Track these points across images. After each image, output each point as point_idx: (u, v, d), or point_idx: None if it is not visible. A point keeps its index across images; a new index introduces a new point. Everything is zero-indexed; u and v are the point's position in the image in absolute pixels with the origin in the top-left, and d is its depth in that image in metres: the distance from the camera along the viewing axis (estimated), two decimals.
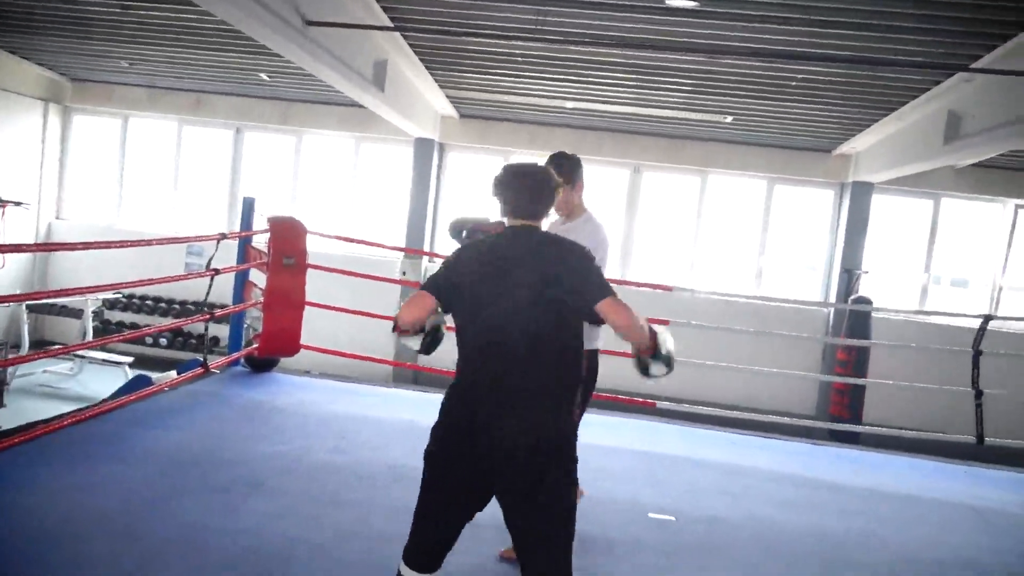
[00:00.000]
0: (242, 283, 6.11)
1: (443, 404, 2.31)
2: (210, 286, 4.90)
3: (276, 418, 4.92)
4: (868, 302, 9.08)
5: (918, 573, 3.62)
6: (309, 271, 5.88)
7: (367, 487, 3.85)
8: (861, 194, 9.79)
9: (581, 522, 3.52)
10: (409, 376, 10.08)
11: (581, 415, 3.50)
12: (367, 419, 5.09)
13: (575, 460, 2.28)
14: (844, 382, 8.91)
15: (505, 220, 2.45)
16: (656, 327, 2.35)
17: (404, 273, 10.42)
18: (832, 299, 10.01)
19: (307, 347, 5.94)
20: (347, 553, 3.10)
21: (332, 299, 6.50)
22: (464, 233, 2.79)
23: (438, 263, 12.43)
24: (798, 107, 8.14)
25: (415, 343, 2.37)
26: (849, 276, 9.77)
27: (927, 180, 9.73)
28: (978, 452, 5.88)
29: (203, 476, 3.76)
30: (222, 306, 6.81)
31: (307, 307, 5.90)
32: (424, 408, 5.48)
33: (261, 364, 6.04)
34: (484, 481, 2.19)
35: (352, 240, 6.56)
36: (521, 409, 2.15)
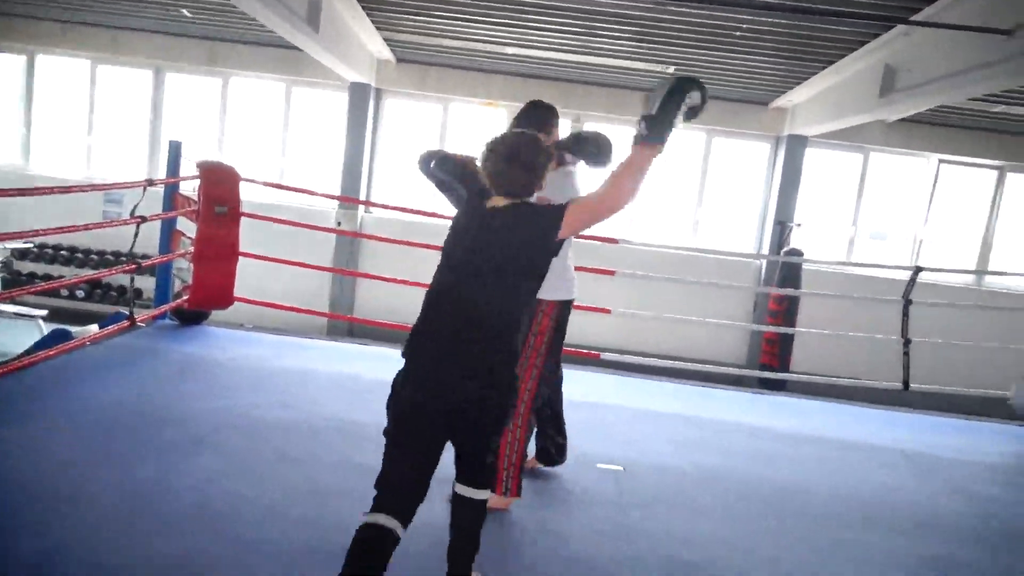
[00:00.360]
0: (169, 232, 5.79)
1: (405, 352, 2.31)
2: (136, 235, 4.59)
3: (216, 373, 4.72)
4: (799, 254, 9.31)
5: (853, 511, 3.75)
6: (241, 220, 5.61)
7: (313, 443, 3.73)
8: (795, 147, 9.96)
9: (532, 476, 3.49)
10: (344, 328, 9.89)
11: (558, 366, 3.44)
12: (309, 373, 4.93)
13: (513, 406, 2.38)
14: (775, 331, 9.19)
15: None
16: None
17: (339, 223, 10.14)
18: (765, 251, 10.23)
19: (241, 299, 5.70)
20: (296, 510, 2.99)
21: (265, 249, 6.21)
22: (432, 163, 2.66)
23: (375, 213, 12.19)
24: (740, 59, 8.15)
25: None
26: (782, 228, 9.98)
27: (858, 134, 9.95)
28: (903, 397, 6.17)
29: (143, 435, 3.56)
30: (146, 257, 6.46)
31: (240, 258, 5.65)
32: (366, 361, 5.41)
33: (189, 317, 5.77)
34: (440, 427, 2.25)
35: (285, 188, 6.27)
36: (472, 368, 2.24)
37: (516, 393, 2.38)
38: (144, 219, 4.64)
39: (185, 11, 8.89)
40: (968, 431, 5.60)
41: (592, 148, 3.11)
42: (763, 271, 10.32)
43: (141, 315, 5.24)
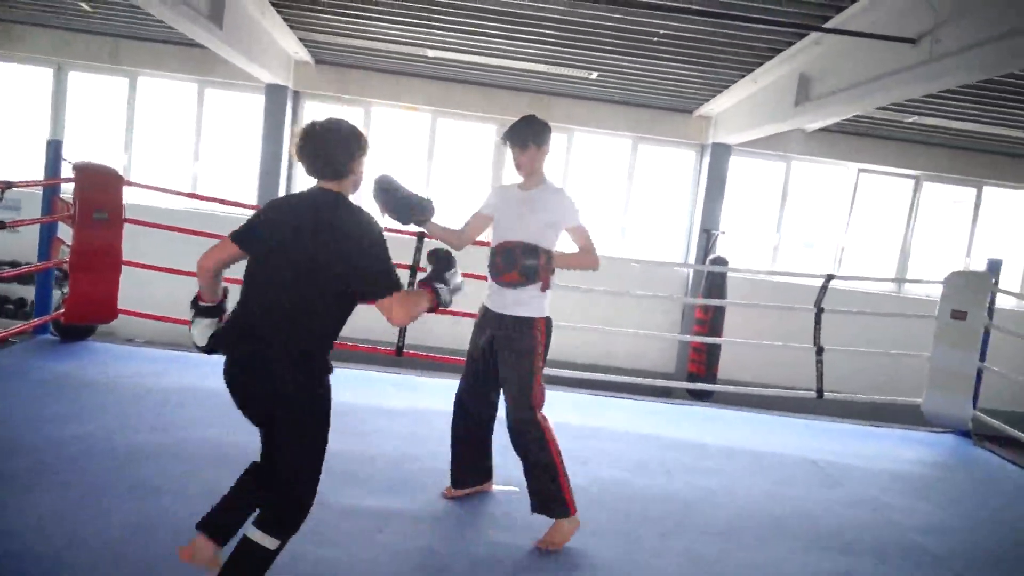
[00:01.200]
0: (48, 239, 5.35)
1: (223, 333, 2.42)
2: None
3: (84, 394, 4.31)
4: (724, 262, 9.30)
5: (759, 525, 3.62)
6: (140, 229, 5.21)
7: (179, 470, 3.40)
8: (720, 155, 9.98)
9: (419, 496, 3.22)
10: None
11: (539, 383, 3.30)
12: (195, 391, 4.56)
13: (323, 411, 2.35)
14: (701, 341, 9.14)
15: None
16: (432, 274, 2.54)
17: None
18: (692, 259, 10.21)
19: (127, 312, 5.30)
20: (133, 550, 2.67)
21: (171, 259, 5.75)
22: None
23: None
24: (661, 65, 8.08)
25: (204, 328, 2.50)
26: (708, 236, 9.98)
27: (780, 143, 10.04)
28: (818, 406, 6.13)
29: None
30: (13, 264, 5.97)
31: (142, 269, 5.24)
32: None
33: (72, 332, 5.34)
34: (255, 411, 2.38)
35: (178, 193, 5.85)
36: (276, 363, 2.27)
37: None
38: (3, 225, 4.23)
39: (84, 5, 8.38)
40: (879, 438, 5.57)
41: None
42: (690, 280, 10.30)
43: (9, 329, 4.80)
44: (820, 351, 5.53)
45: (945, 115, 8.63)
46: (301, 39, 8.82)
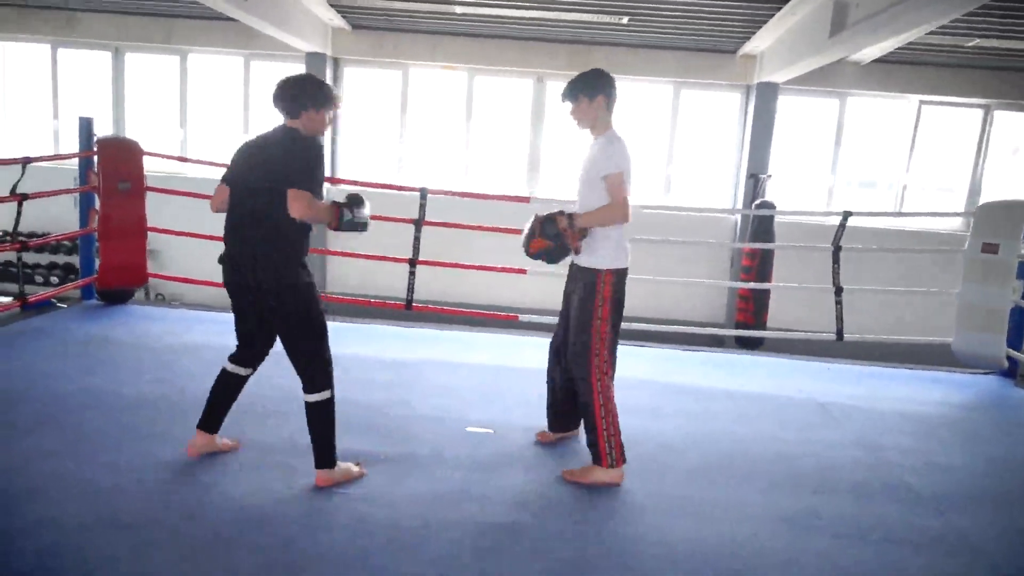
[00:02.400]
0: (86, 208, 5.71)
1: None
2: (18, 213, 4.52)
3: (103, 352, 4.64)
4: (772, 206, 8.95)
5: (731, 467, 3.55)
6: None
7: (167, 420, 3.63)
8: (766, 96, 9.54)
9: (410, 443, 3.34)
10: None
11: (614, 339, 3.31)
12: (207, 347, 4.82)
13: (304, 295, 2.92)
14: (747, 288, 8.88)
15: None
16: (343, 200, 3.00)
17: None
18: (739, 205, 9.88)
19: (154, 275, 5.64)
20: (107, 488, 2.90)
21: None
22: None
23: (346, 189, 12.14)
24: (693, 3, 7.78)
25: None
26: (755, 181, 9.61)
27: (833, 79, 9.52)
28: (859, 350, 5.88)
29: None
30: (33, 235, 6.38)
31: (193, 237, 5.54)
32: None
33: (113, 296, 5.73)
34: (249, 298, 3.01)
35: (197, 161, 6.12)
36: (256, 259, 2.90)
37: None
38: (26, 196, 4.56)
39: None
40: (907, 380, 5.31)
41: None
42: (738, 226, 9.98)
43: (37, 295, 5.16)
44: (839, 291, 5.30)
45: (1010, 35, 7.95)
46: (333, 5, 8.95)
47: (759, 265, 9.06)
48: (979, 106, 9.67)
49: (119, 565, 2.40)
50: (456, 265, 6.00)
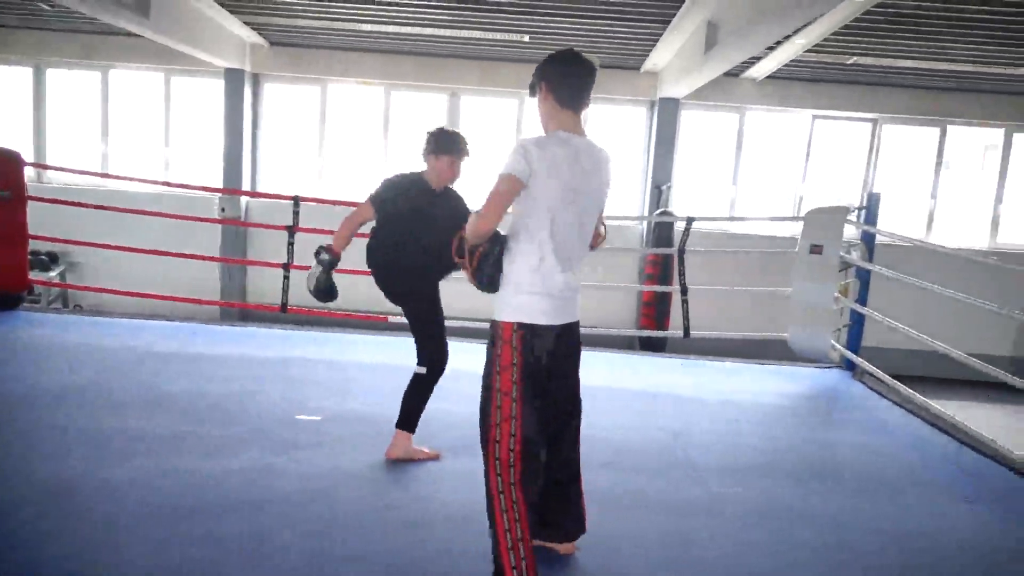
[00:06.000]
0: None
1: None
2: None
3: None
4: (671, 215, 9.36)
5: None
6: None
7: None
8: (667, 110, 10.00)
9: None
10: (236, 315, 10.00)
11: (535, 425, 2.39)
12: (85, 347, 5.06)
13: (424, 298, 3.51)
14: (650, 291, 9.28)
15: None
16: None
17: (223, 211, 10.23)
18: (645, 214, 10.29)
19: (38, 282, 5.83)
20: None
21: (151, 242, 6.40)
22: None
23: (264, 201, 12.06)
24: (586, 23, 8.18)
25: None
26: (658, 191, 10.04)
27: (733, 95, 10.00)
28: (690, 345, 6.23)
29: None
30: None
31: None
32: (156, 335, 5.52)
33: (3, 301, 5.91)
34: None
35: (84, 172, 6.36)
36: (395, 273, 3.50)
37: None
38: None
39: (44, 5, 8.96)
40: (743, 373, 5.68)
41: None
42: (644, 235, 10.38)
43: None
44: (684, 291, 5.68)
45: (886, 54, 8.47)
46: (247, 23, 9.23)
47: (660, 272, 9.47)
48: (868, 120, 10.22)
49: None
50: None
